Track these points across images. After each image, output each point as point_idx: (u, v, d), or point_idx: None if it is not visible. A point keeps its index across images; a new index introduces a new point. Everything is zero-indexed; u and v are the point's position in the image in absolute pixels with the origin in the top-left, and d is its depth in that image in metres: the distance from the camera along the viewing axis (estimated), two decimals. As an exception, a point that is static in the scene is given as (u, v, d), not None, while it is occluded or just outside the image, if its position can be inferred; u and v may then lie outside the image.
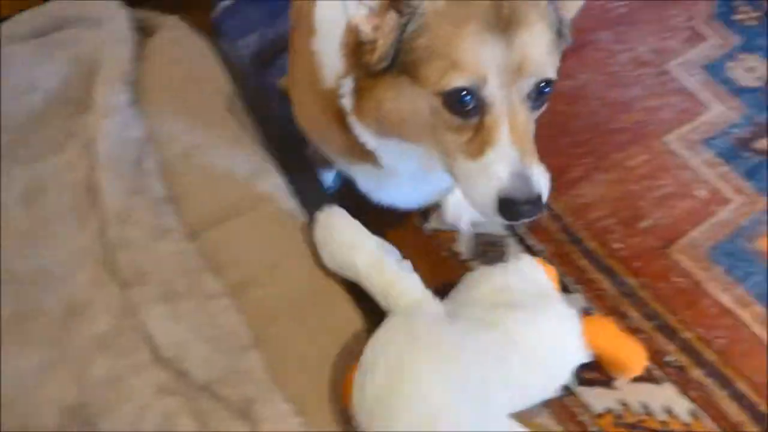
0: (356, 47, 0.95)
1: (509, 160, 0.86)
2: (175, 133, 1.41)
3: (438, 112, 0.89)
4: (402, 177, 1.17)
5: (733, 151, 1.67)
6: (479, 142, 0.88)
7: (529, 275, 1.24)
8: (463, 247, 1.51)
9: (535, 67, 0.87)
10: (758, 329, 1.42)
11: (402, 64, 0.90)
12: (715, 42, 1.87)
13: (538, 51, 0.87)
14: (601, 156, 1.64)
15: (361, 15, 0.91)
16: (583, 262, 1.49)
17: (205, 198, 1.32)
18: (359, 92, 0.98)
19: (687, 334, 1.41)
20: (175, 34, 1.59)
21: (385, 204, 1.32)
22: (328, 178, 1.55)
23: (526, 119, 0.90)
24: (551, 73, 0.91)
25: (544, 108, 0.96)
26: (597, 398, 1.33)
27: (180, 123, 1.42)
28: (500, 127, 0.87)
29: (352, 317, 1.11)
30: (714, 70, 1.81)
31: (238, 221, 1.25)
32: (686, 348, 1.39)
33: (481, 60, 0.84)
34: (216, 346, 1.03)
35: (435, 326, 1.05)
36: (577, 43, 1.81)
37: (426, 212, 1.55)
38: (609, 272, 1.48)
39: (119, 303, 1.13)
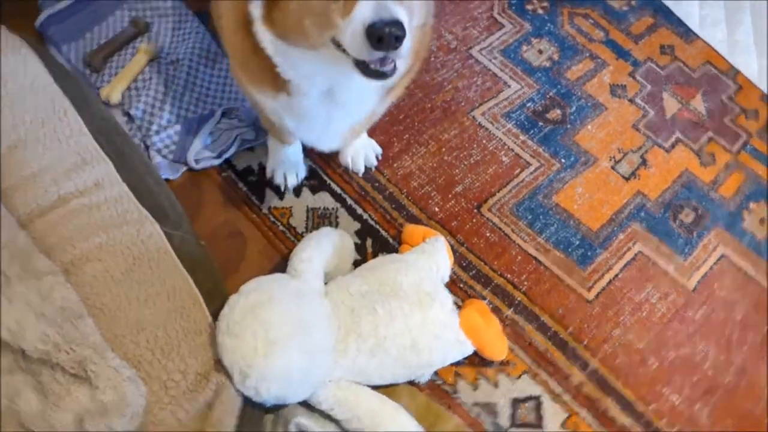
0: None
1: (371, 3, 0.97)
2: (-2, 130, 1.40)
3: None
4: (312, 102, 1.24)
5: (530, 121, 1.87)
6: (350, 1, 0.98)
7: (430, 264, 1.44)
8: (298, 221, 1.61)
9: None
10: (557, 270, 1.63)
11: None
12: (510, 29, 2.07)
13: None
14: (417, 132, 1.79)
15: None
16: (407, 226, 1.64)
17: (33, 189, 1.33)
18: (271, 14, 1.07)
19: (499, 280, 1.59)
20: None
21: (309, 145, 1.49)
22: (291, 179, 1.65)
23: None
24: None
25: None
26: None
27: (2, 121, 1.41)
28: None
29: (184, 280, 1.18)
30: (511, 53, 2.01)
31: (66, 208, 1.27)
32: (499, 292, 1.57)
33: None
34: (50, 320, 1.06)
35: (301, 296, 1.25)
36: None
37: (263, 193, 1.64)
38: (430, 233, 1.64)
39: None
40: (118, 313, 1.10)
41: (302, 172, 1.67)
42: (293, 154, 1.62)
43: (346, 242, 1.52)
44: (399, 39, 0.96)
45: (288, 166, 1.64)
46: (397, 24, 0.96)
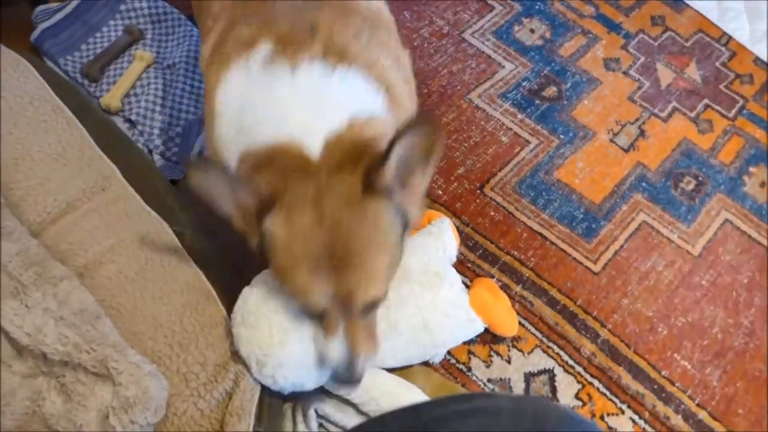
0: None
1: (341, 352, 1.03)
2: (2, 144, 1.43)
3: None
4: None
5: (527, 100, 1.89)
6: (327, 332, 1.03)
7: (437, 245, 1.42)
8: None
9: (362, 296, 0.98)
10: (562, 245, 1.65)
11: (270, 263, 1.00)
12: (501, 10, 2.08)
13: (366, 282, 0.96)
14: (416, 118, 1.82)
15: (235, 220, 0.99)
16: (411, 211, 1.66)
17: (42, 198, 1.35)
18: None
19: (506, 258, 1.61)
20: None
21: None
22: None
23: (358, 323, 1.02)
24: (381, 294, 1.01)
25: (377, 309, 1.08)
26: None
27: (6, 135, 1.44)
28: (335, 329, 1.01)
29: (196, 276, 1.20)
30: (503, 34, 2.03)
31: (76, 214, 1.29)
32: (506, 269, 1.60)
33: (311, 294, 0.96)
34: (68, 323, 1.07)
35: None
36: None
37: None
38: (434, 216, 1.66)
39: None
40: (135, 311, 1.13)
41: None
42: None
43: None
44: (358, 382, 1.07)
45: None
46: (357, 380, 1.06)
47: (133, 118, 1.72)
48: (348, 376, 1.04)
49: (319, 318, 1.04)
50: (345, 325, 1.01)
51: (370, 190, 0.92)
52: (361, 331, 1.03)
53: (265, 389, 1.14)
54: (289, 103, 0.98)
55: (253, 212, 0.95)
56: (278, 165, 0.95)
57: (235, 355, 1.13)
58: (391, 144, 0.87)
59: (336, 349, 1.03)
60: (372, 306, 1.02)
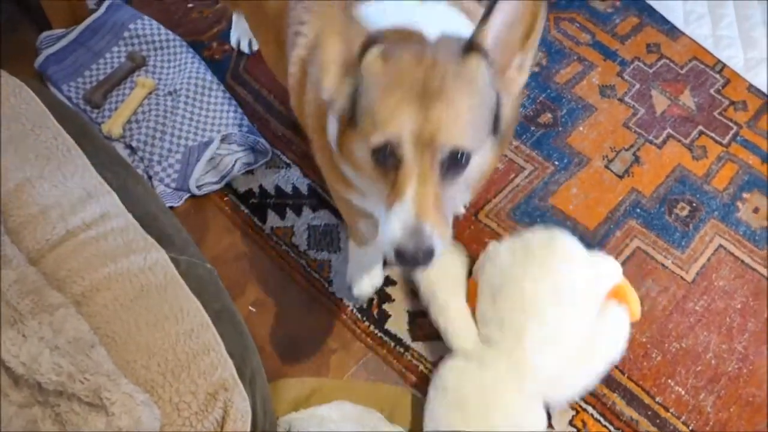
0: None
1: (406, 217, 0.91)
2: (3, 171, 1.45)
3: (371, 163, 0.97)
4: None
5: (522, 126, 1.91)
6: (393, 195, 0.94)
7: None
8: (300, 240, 1.65)
9: (446, 138, 0.92)
10: (557, 271, 1.66)
11: (356, 118, 0.98)
12: (497, 38, 2.12)
13: (453, 124, 0.92)
14: (412, 145, 1.84)
15: (328, 78, 0.99)
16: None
17: (41, 226, 1.37)
18: (340, 139, 1.05)
19: (500, 284, 1.63)
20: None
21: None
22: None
23: (434, 183, 0.93)
24: (467, 145, 0.94)
25: (462, 178, 0.98)
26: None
27: (7, 162, 1.46)
28: (407, 185, 0.92)
29: (190, 303, 1.21)
30: (499, 61, 2.06)
31: (74, 241, 1.31)
32: (500, 295, 1.61)
33: (397, 123, 0.91)
34: (63, 352, 1.09)
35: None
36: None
37: (264, 215, 1.68)
38: (429, 242, 1.67)
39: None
40: (129, 339, 1.14)
41: (380, 279, 1.63)
42: (374, 258, 1.58)
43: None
44: (428, 259, 0.93)
45: (368, 270, 1.59)
46: (428, 254, 0.92)
47: (133, 144, 1.75)
48: (411, 247, 0.90)
49: (392, 174, 0.95)
50: (417, 187, 0.92)
51: (468, 45, 0.95)
52: (432, 195, 0.93)
53: (256, 416, 1.15)
54: None
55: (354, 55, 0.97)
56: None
57: (227, 383, 1.14)
58: (493, 3, 0.91)
59: (402, 211, 0.92)
60: (453, 159, 0.94)
